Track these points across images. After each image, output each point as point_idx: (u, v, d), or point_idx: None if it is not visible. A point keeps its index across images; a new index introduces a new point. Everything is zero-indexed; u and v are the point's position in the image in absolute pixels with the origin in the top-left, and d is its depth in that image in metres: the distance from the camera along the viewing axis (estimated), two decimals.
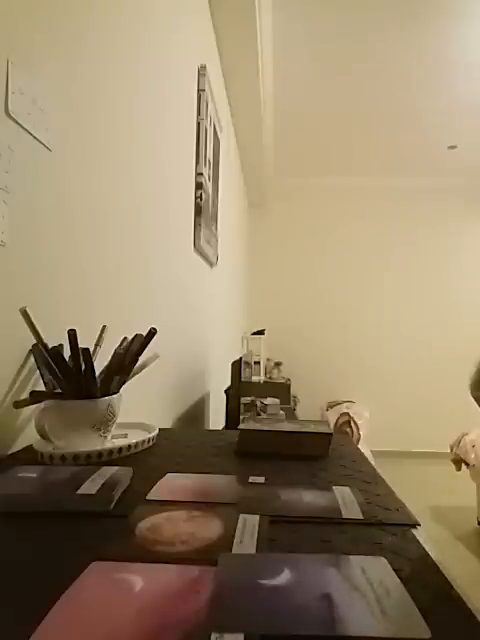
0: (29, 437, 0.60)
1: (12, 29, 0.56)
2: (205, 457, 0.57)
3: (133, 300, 1.03)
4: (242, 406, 2.32)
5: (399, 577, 0.28)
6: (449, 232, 4.24)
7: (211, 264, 2.09)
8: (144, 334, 0.64)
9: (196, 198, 1.67)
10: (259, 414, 2.41)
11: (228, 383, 2.16)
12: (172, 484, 0.46)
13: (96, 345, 0.66)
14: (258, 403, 2.49)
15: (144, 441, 0.61)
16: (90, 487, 0.43)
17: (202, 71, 1.68)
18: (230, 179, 2.79)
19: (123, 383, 0.63)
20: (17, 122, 0.57)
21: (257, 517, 0.37)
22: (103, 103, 0.83)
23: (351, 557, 0.30)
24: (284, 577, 0.28)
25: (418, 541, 0.35)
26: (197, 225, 1.68)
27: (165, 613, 0.24)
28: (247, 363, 3.28)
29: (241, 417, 1.95)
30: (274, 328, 4.20)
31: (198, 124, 1.68)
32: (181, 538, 0.33)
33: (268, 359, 4.03)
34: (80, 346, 0.56)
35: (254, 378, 3.43)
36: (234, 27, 1.94)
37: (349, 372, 4.29)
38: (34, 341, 0.58)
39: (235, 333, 3.33)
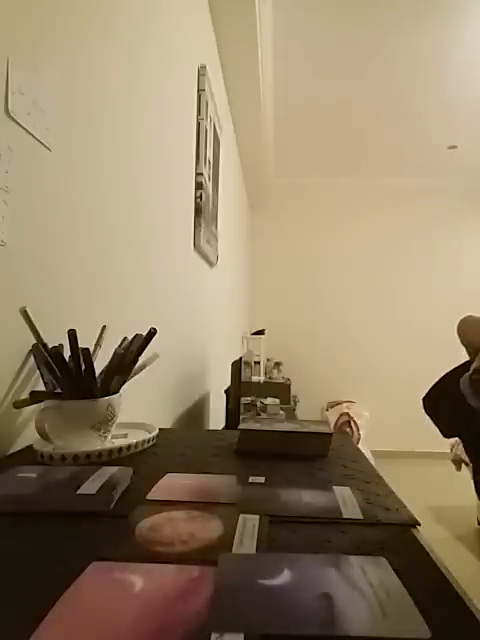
0: (29, 437, 0.60)
1: (12, 29, 0.56)
2: (205, 457, 0.57)
3: (133, 300, 1.03)
4: (242, 406, 2.32)
5: (399, 577, 0.28)
6: (449, 232, 4.24)
7: (211, 264, 2.09)
8: (144, 334, 0.64)
9: (196, 198, 1.67)
10: (259, 414, 2.41)
11: (228, 383, 2.16)
12: (172, 484, 0.46)
13: (96, 345, 0.66)
14: (258, 403, 2.49)
15: (144, 441, 0.61)
16: (90, 487, 0.43)
17: (202, 71, 1.68)
18: (230, 179, 2.79)
19: (123, 383, 0.63)
20: (17, 122, 0.57)
21: (257, 517, 0.37)
22: (103, 103, 0.83)
23: (351, 557, 0.30)
24: (284, 577, 0.28)
25: (418, 541, 0.35)
26: (197, 225, 1.67)
27: (165, 613, 0.24)
28: (247, 363, 3.28)
29: (241, 417, 1.95)
30: (274, 328, 4.20)
31: (198, 124, 1.68)
32: (181, 538, 0.33)
33: (268, 359, 4.03)
34: (80, 346, 0.56)
35: (254, 378, 3.43)
36: (234, 26, 1.94)
37: (349, 372, 4.28)
38: (34, 341, 0.58)
39: (235, 333, 3.33)
